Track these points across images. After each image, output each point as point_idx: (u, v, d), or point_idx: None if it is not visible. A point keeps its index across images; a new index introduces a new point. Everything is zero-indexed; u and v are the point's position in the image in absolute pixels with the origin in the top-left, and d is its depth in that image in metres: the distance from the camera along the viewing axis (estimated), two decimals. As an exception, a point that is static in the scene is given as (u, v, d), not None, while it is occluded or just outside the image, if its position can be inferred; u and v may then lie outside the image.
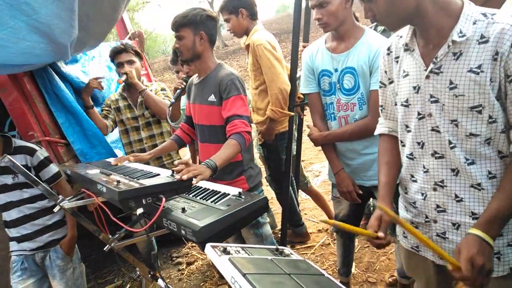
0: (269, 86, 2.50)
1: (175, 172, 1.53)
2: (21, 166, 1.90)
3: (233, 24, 2.61)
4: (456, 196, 1.18)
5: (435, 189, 1.23)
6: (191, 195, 1.59)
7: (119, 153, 2.81)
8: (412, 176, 1.30)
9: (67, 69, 2.65)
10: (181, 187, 1.49)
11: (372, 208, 3.07)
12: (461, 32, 1.06)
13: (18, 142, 2.11)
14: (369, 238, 1.25)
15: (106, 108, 2.74)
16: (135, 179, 1.50)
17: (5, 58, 1.66)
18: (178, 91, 2.43)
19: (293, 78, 2.43)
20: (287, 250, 1.21)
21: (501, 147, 1.12)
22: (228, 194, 1.55)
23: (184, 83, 2.40)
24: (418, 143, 1.24)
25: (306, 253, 2.99)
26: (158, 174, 1.65)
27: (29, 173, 1.93)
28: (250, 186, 2.03)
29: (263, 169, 2.81)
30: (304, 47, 2.46)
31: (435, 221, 1.25)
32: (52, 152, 2.42)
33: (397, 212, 1.43)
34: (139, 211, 1.37)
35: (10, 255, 2.19)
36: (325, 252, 2.98)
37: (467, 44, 1.06)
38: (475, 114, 1.08)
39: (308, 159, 5.29)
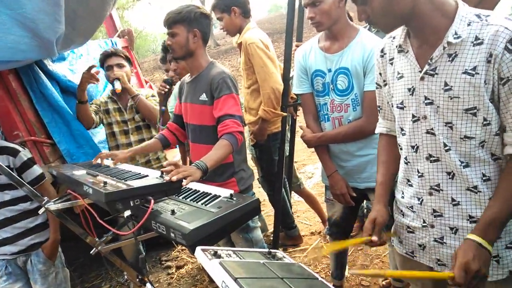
0: (261, 86, 2.47)
1: (164, 173, 1.49)
2: (4, 166, 1.84)
3: (226, 22, 2.57)
4: (453, 200, 1.16)
5: (431, 194, 1.21)
6: (181, 197, 1.55)
7: None
8: (408, 181, 1.29)
9: (54, 67, 2.59)
10: (171, 189, 1.45)
11: (365, 210, 3.06)
12: (456, 33, 1.05)
13: (0, 142, 2.04)
14: (365, 242, 1.25)
15: (95, 106, 2.68)
16: (123, 180, 1.46)
17: (-10, 53, 1.61)
18: (166, 96, 2.47)
19: (286, 78, 2.40)
20: (279, 253, 1.18)
21: (494, 149, 1.11)
22: (219, 196, 1.51)
23: (167, 87, 2.39)
24: (412, 147, 1.22)
25: (299, 256, 2.96)
26: (147, 175, 1.61)
27: (13, 174, 1.87)
28: (241, 188, 1.99)
29: (255, 170, 2.77)
30: (297, 46, 2.43)
31: (432, 226, 1.23)
32: (38, 152, 2.36)
33: (391, 215, 1.41)
34: (127, 213, 1.33)
35: None
36: (318, 255, 2.94)
37: (462, 46, 1.05)
38: (469, 116, 1.07)
39: (301, 160, 5.27)
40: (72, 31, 1.96)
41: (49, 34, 1.63)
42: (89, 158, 2.37)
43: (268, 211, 3.62)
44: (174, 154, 3.50)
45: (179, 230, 1.21)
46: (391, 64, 1.25)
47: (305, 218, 3.58)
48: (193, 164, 1.63)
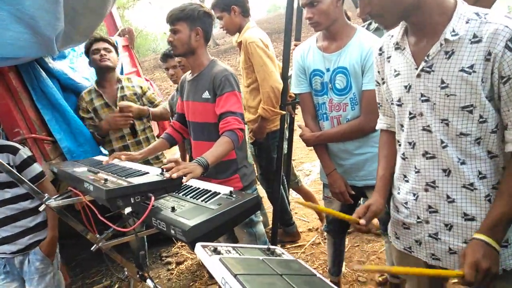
0: (261, 85, 2.49)
1: (165, 171, 1.50)
2: (5, 164, 1.85)
3: (226, 21, 2.58)
4: (448, 197, 1.18)
5: (426, 190, 1.22)
6: (181, 194, 1.57)
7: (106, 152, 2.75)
8: (405, 176, 1.30)
9: (55, 64, 2.59)
10: (171, 186, 1.47)
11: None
12: (453, 30, 1.06)
13: (0, 141, 2.04)
14: (352, 222, 1.29)
15: (88, 117, 2.57)
16: (124, 178, 1.48)
17: (-11, 49, 1.62)
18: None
19: (285, 77, 2.41)
20: (278, 250, 1.19)
21: (490, 147, 1.12)
22: (219, 193, 1.53)
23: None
24: (410, 143, 1.23)
25: (297, 252, 2.98)
26: (147, 173, 1.62)
27: (14, 171, 1.89)
28: (244, 184, 2.02)
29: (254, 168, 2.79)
30: (296, 45, 2.45)
31: (427, 222, 1.25)
32: (39, 150, 2.36)
33: (388, 213, 1.44)
34: (127, 210, 1.34)
35: None
36: (316, 251, 2.97)
37: (459, 43, 1.06)
38: (465, 113, 1.08)
39: (299, 158, 5.29)
40: (72, 29, 1.96)
41: (49, 31, 1.63)
42: (88, 157, 2.37)
43: (266, 208, 3.64)
44: (173, 152, 3.52)
45: (179, 227, 1.23)
46: (389, 61, 1.27)
47: (303, 215, 3.61)
48: (194, 161, 1.65)
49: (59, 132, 2.39)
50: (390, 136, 1.41)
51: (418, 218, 1.27)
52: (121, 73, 3.20)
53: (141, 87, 2.73)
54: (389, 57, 1.27)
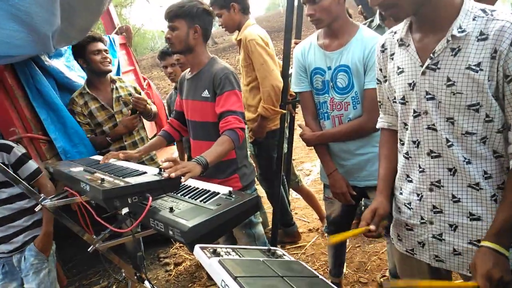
0: (261, 83, 2.46)
1: (163, 170, 1.48)
2: (0, 164, 1.82)
3: (225, 19, 2.55)
4: (453, 197, 1.16)
5: (431, 190, 1.20)
6: (179, 194, 1.54)
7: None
8: (408, 176, 1.28)
9: (51, 63, 2.56)
10: (169, 186, 1.44)
11: (363, 208, 3.06)
12: (460, 27, 1.04)
13: None
14: (363, 232, 1.25)
15: (84, 122, 2.50)
16: (121, 177, 1.45)
17: (-17, 48, 1.59)
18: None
19: (285, 75, 2.38)
20: (279, 251, 1.17)
21: (496, 146, 1.10)
22: (218, 193, 1.50)
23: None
24: (414, 142, 1.21)
25: (297, 253, 2.96)
26: (145, 172, 1.59)
27: (9, 170, 1.86)
28: (243, 184, 2.00)
29: (253, 167, 2.76)
30: (296, 43, 2.42)
31: (431, 222, 1.22)
32: (35, 149, 2.34)
33: (390, 212, 1.41)
34: (125, 210, 1.31)
35: None
36: (316, 252, 2.95)
37: (466, 40, 1.03)
38: (471, 112, 1.06)
39: (299, 158, 5.26)
40: (69, 26, 1.93)
41: (45, 28, 1.61)
42: (83, 157, 2.34)
43: (266, 208, 3.62)
44: (172, 151, 3.49)
45: (178, 228, 1.21)
46: (392, 59, 1.24)
47: (303, 215, 3.58)
48: (193, 160, 1.62)
49: (54, 131, 2.36)
50: (391, 135, 1.38)
51: (422, 218, 1.24)
52: (118, 72, 3.17)
53: (135, 88, 2.71)
54: (392, 54, 1.24)
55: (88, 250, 1.70)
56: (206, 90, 1.88)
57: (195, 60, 1.93)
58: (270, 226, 3.14)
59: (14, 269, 2.10)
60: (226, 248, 1.08)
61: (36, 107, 2.32)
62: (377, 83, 1.37)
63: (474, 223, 1.14)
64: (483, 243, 1.06)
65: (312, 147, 1.99)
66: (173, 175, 1.43)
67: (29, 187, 1.78)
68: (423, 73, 1.12)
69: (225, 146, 1.75)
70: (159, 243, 3.45)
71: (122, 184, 1.33)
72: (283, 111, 2.46)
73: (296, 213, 3.62)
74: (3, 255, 2.05)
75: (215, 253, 1.01)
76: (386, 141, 1.41)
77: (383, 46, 1.29)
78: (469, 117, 1.07)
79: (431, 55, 1.09)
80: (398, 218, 1.35)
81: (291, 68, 2.12)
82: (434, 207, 1.20)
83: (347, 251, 2.75)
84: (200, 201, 1.43)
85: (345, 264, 2.38)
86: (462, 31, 1.03)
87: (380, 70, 1.32)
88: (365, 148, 1.81)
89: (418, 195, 1.24)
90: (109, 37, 3.46)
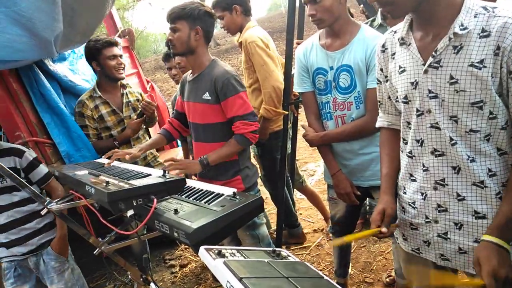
0: (262, 85, 2.46)
1: (167, 172, 1.48)
2: (6, 168, 1.83)
3: (227, 21, 2.56)
4: (458, 195, 1.15)
5: (435, 188, 1.19)
6: (183, 196, 1.55)
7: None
8: (411, 175, 1.27)
9: (55, 67, 2.58)
10: (174, 188, 1.45)
11: (368, 207, 3.05)
12: (462, 24, 1.03)
13: (4, 144, 2.04)
14: (374, 234, 1.23)
15: (93, 126, 2.47)
16: (125, 180, 1.46)
17: (-15, 52, 1.60)
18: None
19: (288, 75, 2.39)
20: (284, 252, 1.17)
21: (500, 144, 1.09)
22: (222, 195, 1.50)
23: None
24: (417, 141, 1.21)
25: (302, 254, 2.95)
26: (149, 174, 1.60)
27: (16, 175, 1.87)
28: (246, 186, 2.00)
29: (257, 168, 2.76)
30: (298, 44, 2.42)
31: (436, 221, 1.22)
32: (40, 153, 2.35)
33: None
34: (130, 213, 1.32)
35: (0, 262, 2.10)
36: (321, 253, 2.94)
37: (468, 37, 1.03)
38: (475, 110, 1.06)
39: (303, 158, 5.25)
40: (71, 30, 1.94)
41: (47, 33, 1.62)
42: (86, 161, 2.35)
43: (270, 209, 3.61)
44: (176, 153, 3.50)
45: (183, 229, 1.21)
46: (393, 58, 1.24)
47: (308, 216, 3.58)
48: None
49: (58, 135, 2.38)
50: (391, 134, 1.38)
51: (427, 217, 1.24)
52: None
53: (141, 94, 2.73)
54: (393, 54, 1.24)
55: (94, 252, 1.71)
56: (207, 93, 1.89)
57: (196, 62, 1.94)
58: (272, 228, 3.14)
59: (27, 271, 2.11)
60: (231, 249, 1.08)
61: (40, 112, 2.34)
62: (377, 83, 1.37)
63: (479, 221, 1.13)
64: (485, 237, 1.06)
65: (316, 148, 1.99)
66: (173, 172, 1.44)
67: (35, 191, 1.79)
68: (426, 72, 1.11)
69: (229, 148, 1.83)
70: (165, 245, 3.45)
71: (127, 186, 1.33)
72: (285, 112, 2.46)
73: (300, 214, 3.61)
74: (16, 257, 2.06)
75: (220, 254, 1.01)
76: (386, 140, 1.40)
77: (383, 46, 1.29)
78: (473, 115, 1.07)
79: (433, 53, 1.08)
80: (402, 217, 1.35)
81: (294, 68, 2.12)
82: (438, 205, 1.20)
83: (352, 251, 2.75)
84: (205, 202, 1.44)
85: (350, 264, 2.37)
86: (464, 29, 1.03)
87: (381, 70, 1.32)
88: (368, 148, 1.81)
89: (422, 194, 1.23)
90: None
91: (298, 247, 3.07)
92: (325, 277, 1.03)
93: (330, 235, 2.56)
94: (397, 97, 1.26)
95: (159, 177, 1.49)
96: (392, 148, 1.36)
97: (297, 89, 1.97)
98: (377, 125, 1.45)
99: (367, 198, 2.36)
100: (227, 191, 1.53)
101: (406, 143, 1.27)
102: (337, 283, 2.25)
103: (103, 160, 2.11)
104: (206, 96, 1.90)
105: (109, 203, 1.27)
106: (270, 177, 2.86)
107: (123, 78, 2.52)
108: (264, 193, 3.25)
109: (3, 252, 2.07)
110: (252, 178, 2.05)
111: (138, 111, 2.57)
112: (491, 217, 1.12)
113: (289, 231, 3.08)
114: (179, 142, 3.88)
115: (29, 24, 1.50)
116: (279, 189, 2.57)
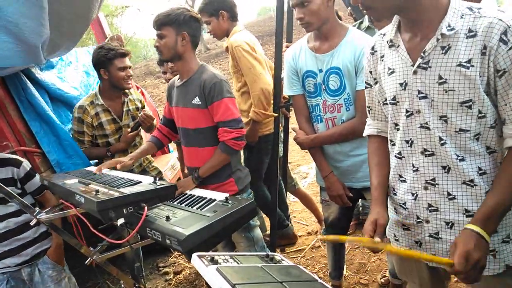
0: (250, 88, 2.46)
1: (157, 179, 1.47)
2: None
3: (214, 26, 2.56)
4: (449, 194, 1.16)
5: (426, 188, 1.20)
6: (175, 203, 1.54)
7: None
8: (401, 176, 1.27)
9: (43, 75, 2.55)
10: (165, 194, 1.44)
11: (361, 208, 3.06)
12: (449, 25, 1.05)
13: (1, 154, 2.01)
14: (368, 244, 1.19)
15: (90, 133, 2.44)
16: (115, 188, 1.44)
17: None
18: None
19: (277, 79, 2.39)
20: (278, 256, 1.16)
21: (489, 142, 1.10)
22: (215, 200, 1.50)
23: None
24: (407, 141, 1.21)
25: (297, 257, 2.94)
26: (140, 182, 1.58)
27: (3, 185, 1.84)
28: (240, 188, 2.01)
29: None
30: (287, 47, 2.42)
31: (428, 221, 1.22)
32: (29, 163, 2.32)
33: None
34: (120, 221, 1.31)
35: None
36: (316, 255, 2.94)
37: (455, 38, 1.04)
38: (464, 109, 1.07)
39: (295, 161, 5.26)
40: (58, 35, 1.90)
41: (34, 38, 1.59)
42: (78, 169, 2.32)
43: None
44: (168, 159, 3.48)
45: (175, 236, 1.20)
46: (382, 61, 1.24)
47: (301, 219, 3.57)
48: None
49: (47, 144, 2.34)
50: (381, 142, 1.37)
51: (418, 218, 1.24)
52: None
53: (140, 101, 2.70)
54: (382, 56, 1.25)
55: (86, 262, 1.69)
56: (197, 97, 1.89)
57: (185, 67, 1.94)
58: (267, 232, 3.13)
59: (21, 283, 2.07)
60: (224, 255, 1.07)
61: (28, 120, 2.30)
62: (366, 87, 1.37)
63: (470, 219, 1.14)
64: (468, 226, 1.06)
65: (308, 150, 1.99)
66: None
67: (24, 201, 1.77)
68: (415, 73, 1.12)
69: (216, 157, 1.91)
70: (158, 252, 3.42)
71: (116, 194, 1.32)
72: (274, 114, 2.46)
73: (294, 217, 3.61)
74: (9, 269, 2.02)
75: (213, 261, 1.00)
76: (376, 148, 1.39)
77: (373, 48, 1.29)
78: (462, 114, 1.07)
79: (422, 54, 1.09)
80: (394, 218, 1.35)
81: (283, 71, 2.12)
82: (429, 205, 1.20)
83: (346, 252, 2.75)
84: (197, 208, 1.43)
85: (345, 266, 2.37)
86: (451, 29, 1.04)
87: (370, 72, 1.32)
88: (359, 149, 1.81)
89: (413, 194, 1.24)
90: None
91: (292, 250, 3.06)
92: (319, 280, 1.02)
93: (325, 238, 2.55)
94: (385, 99, 1.26)
95: (150, 184, 1.48)
96: (383, 156, 1.35)
97: (287, 92, 1.97)
98: (366, 133, 1.44)
99: (360, 199, 2.37)
100: (220, 196, 1.53)
101: (394, 145, 1.28)
102: (332, 285, 2.27)
103: (94, 168, 2.09)
104: (196, 100, 1.89)
105: (99, 212, 1.25)
106: (254, 181, 2.83)
107: (129, 88, 2.52)
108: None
109: None
110: (245, 180, 2.06)
111: (135, 122, 2.55)
112: None
113: (278, 232, 3.06)
114: (171, 148, 3.87)
115: (15, 30, 1.47)
116: (273, 192, 2.56)
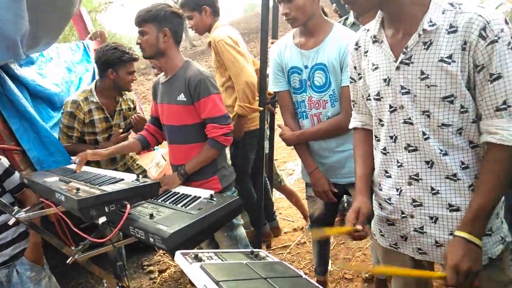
0: (235, 81, 2.43)
1: (140, 176, 1.45)
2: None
3: (196, 21, 2.52)
4: (432, 189, 1.17)
5: (410, 183, 1.21)
6: (159, 200, 1.52)
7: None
8: (386, 172, 1.28)
9: (22, 71, 2.48)
10: (148, 192, 1.41)
11: (346, 204, 3.08)
12: (431, 21, 1.06)
13: None
14: (349, 232, 1.23)
15: (80, 130, 2.38)
16: (97, 186, 1.42)
17: None
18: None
19: (263, 75, 2.38)
20: (262, 252, 1.16)
21: (472, 137, 1.12)
22: (199, 197, 1.48)
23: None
24: (391, 137, 1.22)
25: (282, 253, 2.95)
26: (122, 179, 1.55)
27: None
28: (223, 186, 1.99)
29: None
30: (272, 43, 2.41)
31: (412, 216, 1.23)
32: (8, 161, 2.25)
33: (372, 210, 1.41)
34: (102, 219, 1.28)
35: None
36: (301, 251, 2.95)
37: (437, 33, 1.05)
38: (447, 104, 1.08)
39: (282, 157, 5.27)
40: (38, 29, 1.85)
41: (13, 31, 1.53)
42: (60, 166, 2.27)
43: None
44: (153, 157, 3.44)
45: (159, 235, 1.18)
46: (366, 56, 1.25)
47: (287, 215, 3.58)
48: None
49: (27, 141, 2.28)
50: (365, 134, 1.38)
51: (403, 213, 1.25)
52: (93, 79, 3.09)
53: (132, 101, 2.67)
54: (366, 52, 1.25)
55: (67, 261, 1.65)
56: (182, 94, 1.86)
57: (168, 63, 1.91)
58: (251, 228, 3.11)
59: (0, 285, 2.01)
60: (208, 252, 1.06)
61: (7, 117, 2.24)
62: (351, 82, 1.38)
63: (454, 214, 1.16)
64: (456, 233, 1.08)
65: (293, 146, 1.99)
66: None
67: (2, 200, 1.71)
68: (398, 68, 1.13)
69: (204, 153, 1.87)
70: (143, 250, 3.38)
71: (98, 192, 1.29)
72: (259, 108, 2.45)
73: (280, 213, 3.61)
74: None
75: (197, 258, 0.99)
76: (361, 140, 1.40)
77: (357, 44, 1.30)
78: (445, 109, 1.09)
79: (404, 50, 1.10)
80: (379, 214, 1.36)
81: (268, 67, 2.11)
82: (413, 200, 1.21)
83: (331, 248, 2.77)
84: (181, 206, 1.41)
85: (330, 261, 2.39)
86: (433, 25, 1.05)
87: (355, 67, 1.33)
88: (345, 145, 1.82)
89: (397, 189, 1.25)
90: (83, 43, 3.38)
91: (278, 246, 3.07)
92: (304, 276, 1.03)
93: (310, 233, 2.57)
94: (369, 95, 1.27)
95: (132, 181, 1.45)
96: (367, 148, 1.37)
97: (272, 88, 1.97)
98: (351, 126, 1.45)
99: (345, 195, 2.38)
100: (204, 193, 1.51)
101: (378, 141, 1.29)
102: (317, 281, 2.28)
103: (74, 166, 2.04)
104: (181, 97, 1.87)
105: (79, 210, 1.22)
106: (239, 177, 2.82)
107: (130, 90, 2.51)
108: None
109: None
110: (229, 178, 2.04)
111: (127, 124, 2.51)
112: (464, 209, 1.13)
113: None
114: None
115: None
116: (258, 189, 2.55)
